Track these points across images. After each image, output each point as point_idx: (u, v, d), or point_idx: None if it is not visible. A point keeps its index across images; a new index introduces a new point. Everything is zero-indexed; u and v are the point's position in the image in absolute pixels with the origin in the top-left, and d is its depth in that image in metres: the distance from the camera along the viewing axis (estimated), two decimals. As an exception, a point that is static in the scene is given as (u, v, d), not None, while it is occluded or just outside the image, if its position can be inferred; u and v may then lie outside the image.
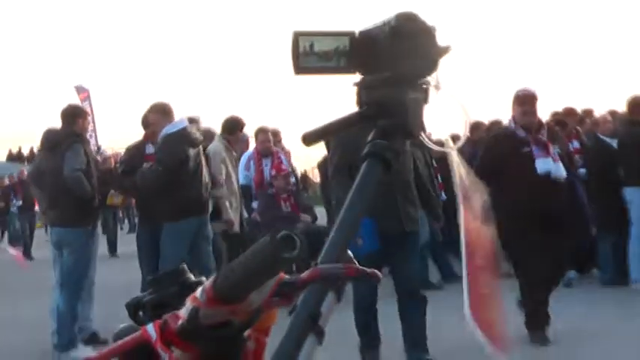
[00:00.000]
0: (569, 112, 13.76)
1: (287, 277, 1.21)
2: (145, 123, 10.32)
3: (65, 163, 9.19)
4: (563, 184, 8.54)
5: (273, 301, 1.25)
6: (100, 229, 11.43)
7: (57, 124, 9.78)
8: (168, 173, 9.26)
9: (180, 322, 1.20)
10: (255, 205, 12.03)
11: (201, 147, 9.89)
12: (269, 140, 12.38)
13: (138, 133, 10.41)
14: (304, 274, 1.21)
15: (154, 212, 9.68)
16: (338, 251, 1.39)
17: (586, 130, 13.46)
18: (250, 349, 1.25)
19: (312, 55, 1.57)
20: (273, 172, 11.89)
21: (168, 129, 9.48)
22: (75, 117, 9.70)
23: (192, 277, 1.42)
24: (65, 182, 9.20)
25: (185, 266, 1.43)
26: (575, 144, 12.71)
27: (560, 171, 8.49)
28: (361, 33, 1.58)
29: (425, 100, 1.57)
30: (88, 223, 9.49)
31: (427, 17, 1.56)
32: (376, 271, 1.28)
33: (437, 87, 1.57)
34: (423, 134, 1.58)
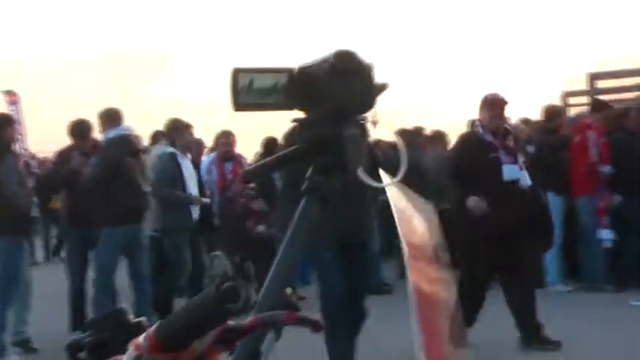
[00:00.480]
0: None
1: (231, 323, 1.21)
2: (74, 131, 10.26)
3: (4, 179, 9.11)
4: (528, 191, 8.45)
5: (216, 348, 1.25)
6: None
7: None
8: (103, 177, 9.25)
9: (120, 369, 1.20)
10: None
11: (141, 155, 9.87)
12: (230, 144, 12.05)
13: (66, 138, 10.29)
14: (247, 321, 1.21)
15: (87, 217, 9.65)
16: (277, 289, 1.40)
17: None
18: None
19: (251, 92, 1.57)
20: (231, 177, 11.58)
21: (108, 134, 9.50)
22: (4, 126, 9.59)
23: (131, 318, 1.41)
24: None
25: (124, 307, 1.42)
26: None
27: (525, 179, 8.41)
28: (300, 70, 1.59)
29: (362, 135, 1.58)
30: (19, 232, 9.39)
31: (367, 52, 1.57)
32: (317, 320, 1.29)
33: (374, 123, 1.58)
34: (360, 170, 1.59)
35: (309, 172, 1.56)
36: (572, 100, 16.95)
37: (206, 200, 10.88)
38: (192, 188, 10.47)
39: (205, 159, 12.39)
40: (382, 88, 1.58)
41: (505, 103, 8.61)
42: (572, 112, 16.35)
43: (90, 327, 1.41)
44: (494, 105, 8.50)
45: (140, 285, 9.61)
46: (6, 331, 9.39)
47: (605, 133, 11.80)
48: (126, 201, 9.27)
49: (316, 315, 1.33)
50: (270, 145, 12.29)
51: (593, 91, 15.45)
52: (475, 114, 9.00)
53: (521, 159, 8.57)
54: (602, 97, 15.58)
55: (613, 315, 10.11)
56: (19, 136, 10.44)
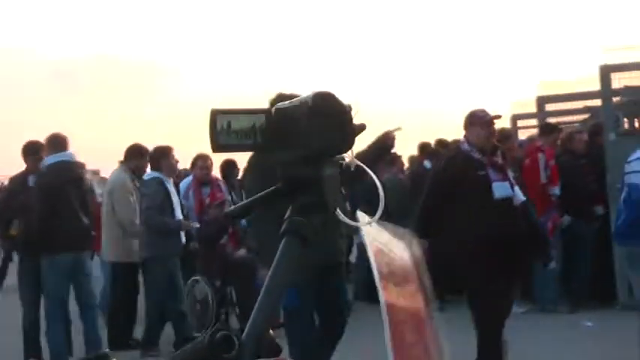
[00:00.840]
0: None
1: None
2: (26, 152, 10.19)
3: None
4: (518, 207, 8.09)
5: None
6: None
7: None
8: (41, 204, 9.21)
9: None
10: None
11: (84, 182, 9.81)
12: (208, 167, 11.76)
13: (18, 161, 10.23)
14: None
15: (34, 245, 9.58)
16: (260, 331, 1.40)
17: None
18: None
19: (229, 133, 1.58)
20: (208, 201, 11.42)
21: (49, 159, 9.44)
22: None
23: (115, 363, 1.41)
24: None
25: (106, 351, 1.41)
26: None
27: (518, 195, 8.12)
28: (277, 110, 1.60)
29: (340, 175, 1.59)
30: None
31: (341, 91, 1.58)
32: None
33: (352, 163, 1.60)
34: (338, 210, 1.60)
35: (288, 213, 1.57)
36: (520, 123, 17.16)
37: (195, 224, 10.92)
38: (179, 213, 10.50)
39: (182, 183, 12.18)
40: (360, 128, 1.59)
41: (496, 118, 8.35)
42: (521, 134, 16.62)
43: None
44: (486, 123, 8.16)
45: (87, 314, 9.55)
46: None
47: (555, 155, 12.01)
48: (65, 229, 9.20)
49: None
50: (227, 167, 12.56)
51: (541, 114, 15.59)
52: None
53: (511, 174, 8.36)
54: (550, 120, 15.87)
55: (567, 336, 10.22)
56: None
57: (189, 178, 12.13)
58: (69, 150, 9.62)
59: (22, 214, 9.88)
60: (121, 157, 11.34)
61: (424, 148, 14.17)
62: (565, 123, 16.22)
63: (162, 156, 10.52)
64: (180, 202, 10.95)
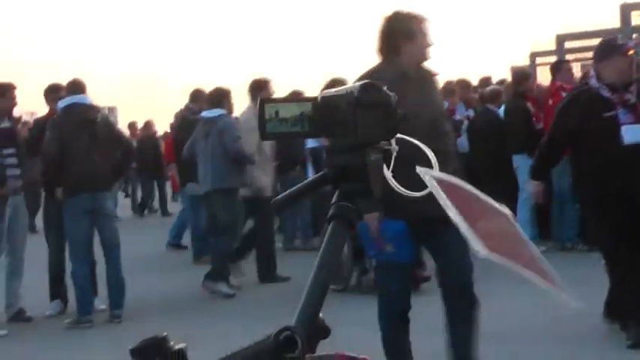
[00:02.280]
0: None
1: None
2: (47, 94, 10.43)
3: None
4: None
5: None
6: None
7: None
8: (52, 147, 9.35)
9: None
10: None
11: (101, 118, 9.84)
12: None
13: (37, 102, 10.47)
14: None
15: (52, 186, 9.74)
16: (311, 315, 1.47)
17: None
18: None
19: (277, 121, 1.64)
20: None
21: (63, 101, 9.53)
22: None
23: (173, 346, 1.47)
24: None
25: (166, 335, 1.48)
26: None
27: None
28: (323, 99, 1.65)
29: (385, 160, 1.65)
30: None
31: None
32: (365, 357, 1.37)
33: (394, 150, 1.65)
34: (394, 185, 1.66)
35: (334, 198, 1.64)
36: (539, 60, 17.07)
37: None
38: None
39: None
40: (402, 118, 1.65)
41: (631, 48, 7.25)
42: (540, 71, 16.56)
43: (135, 355, 1.47)
44: (626, 52, 7.06)
45: (110, 255, 9.66)
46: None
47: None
48: (78, 171, 9.28)
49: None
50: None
51: (560, 51, 15.51)
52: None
53: None
54: (569, 57, 15.81)
55: (585, 274, 10.29)
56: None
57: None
58: (86, 94, 9.69)
59: (42, 156, 10.01)
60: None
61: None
62: (584, 59, 16.17)
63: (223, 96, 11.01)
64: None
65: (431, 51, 5.76)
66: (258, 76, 11.51)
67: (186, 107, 13.55)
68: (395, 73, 5.43)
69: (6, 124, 9.85)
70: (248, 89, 11.27)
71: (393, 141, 1.64)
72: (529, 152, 11.68)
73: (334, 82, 11.21)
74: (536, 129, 12.04)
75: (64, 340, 9.03)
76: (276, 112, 1.65)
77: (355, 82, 5.70)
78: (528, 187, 10.98)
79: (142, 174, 22.12)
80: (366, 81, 1.63)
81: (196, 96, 13.38)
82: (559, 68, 12.67)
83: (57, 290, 10.27)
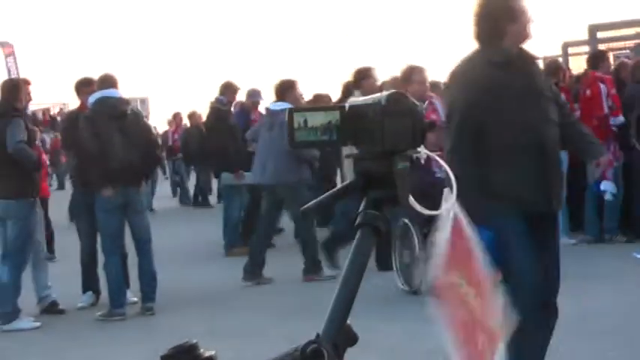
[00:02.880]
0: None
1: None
2: (78, 88, 10.55)
3: (7, 138, 9.26)
4: None
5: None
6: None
7: None
8: (88, 138, 9.40)
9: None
10: None
11: (132, 111, 9.91)
12: (425, 82, 9.96)
13: (62, 88, 10.59)
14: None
15: (84, 180, 9.82)
16: (340, 321, 1.50)
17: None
18: None
19: (305, 130, 1.66)
20: None
21: (95, 95, 9.61)
22: (16, 91, 9.74)
23: (203, 353, 1.50)
24: (8, 156, 9.28)
25: (196, 342, 1.51)
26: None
27: None
28: (351, 108, 1.67)
29: (411, 168, 1.67)
30: (31, 194, 9.52)
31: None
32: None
33: (422, 157, 1.67)
34: (411, 199, 1.68)
35: (362, 206, 1.66)
36: (571, 50, 17.01)
37: None
38: None
39: None
40: (430, 126, 1.67)
41: None
42: (572, 61, 16.49)
43: (166, 360, 1.50)
44: None
45: (141, 248, 9.73)
46: (19, 295, 9.62)
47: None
48: (109, 165, 9.34)
49: None
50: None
51: (592, 41, 15.44)
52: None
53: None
54: (601, 47, 15.71)
55: (619, 267, 10.26)
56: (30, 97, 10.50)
57: None
58: (116, 88, 9.77)
59: (74, 150, 10.09)
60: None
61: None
62: (616, 49, 16.11)
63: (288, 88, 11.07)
64: None
65: (531, 28, 5.42)
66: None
67: (217, 99, 13.63)
68: (501, 57, 5.32)
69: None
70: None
71: (419, 149, 1.66)
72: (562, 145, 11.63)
73: (359, 72, 11.34)
74: None
75: (96, 333, 9.10)
76: (305, 121, 1.67)
77: (449, 74, 5.62)
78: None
79: (188, 163, 22.14)
80: (393, 90, 1.65)
81: (226, 88, 13.48)
82: (601, 59, 12.57)
83: (89, 282, 10.36)
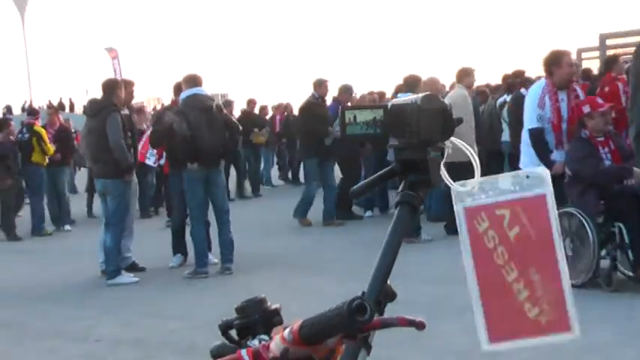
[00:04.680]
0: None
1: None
2: (175, 91, 10.77)
3: (109, 132, 9.45)
4: None
5: (343, 342, 1.39)
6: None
7: (92, 78, 10.31)
8: (180, 128, 9.48)
9: (271, 355, 1.33)
10: (556, 154, 8.06)
11: (216, 106, 10.01)
12: (573, 65, 8.68)
13: (158, 86, 10.80)
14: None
15: (177, 161, 9.94)
16: (381, 286, 1.53)
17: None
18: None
19: (355, 125, 1.69)
20: (587, 109, 7.85)
21: (185, 93, 9.75)
22: (114, 89, 9.89)
23: (270, 306, 1.54)
24: (106, 144, 9.46)
25: (264, 297, 1.55)
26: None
27: None
28: (392, 106, 1.70)
29: (442, 157, 1.68)
30: (124, 176, 9.68)
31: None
32: (422, 320, 1.42)
33: (448, 147, 1.69)
34: (444, 173, 1.69)
35: (401, 187, 1.68)
36: (584, 55, 16.79)
37: None
38: None
39: (532, 90, 8.49)
40: (459, 121, 1.69)
41: None
42: (585, 64, 16.28)
43: (238, 312, 1.53)
44: None
45: (220, 218, 9.81)
46: (120, 256, 9.82)
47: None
48: (197, 149, 9.47)
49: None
50: None
51: (603, 47, 15.21)
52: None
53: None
54: (609, 52, 15.52)
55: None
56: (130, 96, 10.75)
57: (540, 82, 8.44)
58: (201, 86, 9.87)
59: (167, 139, 10.27)
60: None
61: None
62: (623, 54, 15.88)
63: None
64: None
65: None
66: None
67: (312, 95, 13.52)
68: None
69: (125, 112, 10.17)
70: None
71: (447, 142, 1.67)
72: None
73: (412, 77, 11.59)
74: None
75: (183, 288, 9.21)
76: (354, 117, 1.70)
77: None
78: None
79: (289, 147, 21.64)
80: (427, 92, 1.67)
81: (319, 85, 13.46)
82: (614, 62, 12.48)
83: (179, 246, 10.51)
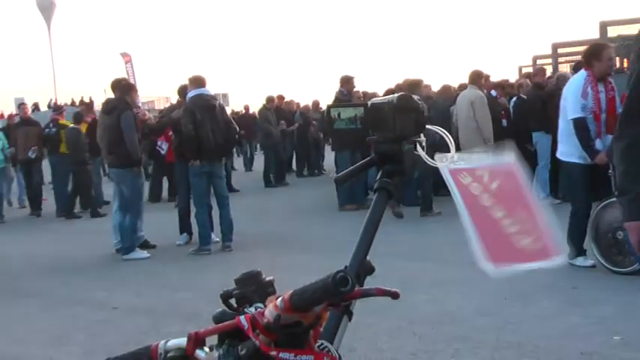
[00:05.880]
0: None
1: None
2: (180, 92, 10.68)
3: (123, 128, 9.41)
4: None
5: (328, 309, 1.39)
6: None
7: (108, 79, 10.23)
8: (186, 125, 9.40)
9: (265, 320, 1.32)
10: (598, 143, 7.40)
11: (218, 105, 9.96)
12: (612, 59, 7.82)
13: (166, 86, 10.72)
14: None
15: (183, 154, 9.90)
16: (361, 261, 1.54)
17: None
18: (310, 335, 1.39)
19: (340, 120, 1.70)
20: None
21: (191, 93, 9.70)
22: (128, 89, 9.87)
23: (265, 278, 1.53)
24: (120, 138, 9.42)
25: (260, 270, 1.54)
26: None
27: None
28: (372, 105, 1.70)
29: (415, 149, 1.68)
30: (135, 166, 9.64)
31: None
32: (396, 290, 1.42)
33: (422, 141, 1.69)
34: (424, 158, 1.69)
35: (379, 175, 1.68)
36: (539, 62, 16.82)
37: None
38: None
39: (575, 78, 7.73)
40: (429, 119, 1.69)
41: None
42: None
43: (237, 283, 1.53)
44: None
45: (221, 203, 9.79)
46: (135, 234, 9.80)
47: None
48: (202, 144, 9.42)
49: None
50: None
51: (555, 55, 15.25)
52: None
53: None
54: (561, 60, 15.56)
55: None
56: (139, 98, 10.73)
57: (582, 74, 7.55)
58: (205, 86, 9.81)
59: (174, 134, 10.22)
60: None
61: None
62: (574, 61, 16.01)
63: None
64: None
65: None
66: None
67: (340, 91, 13.03)
68: None
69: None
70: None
71: (421, 135, 1.67)
72: (545, 129, 11.67)
73: (410, 82, 11.65)
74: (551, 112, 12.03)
75: (189, 263, 9.21)
76: (339, 114, 1.71)
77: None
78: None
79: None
80: (402, 93, 1.67)
81: (346, 82, 13.10)
82: (578, 68, 12.46)
83: (185, 226, 10.48)
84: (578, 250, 7.39)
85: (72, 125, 14.44)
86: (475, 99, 11.20)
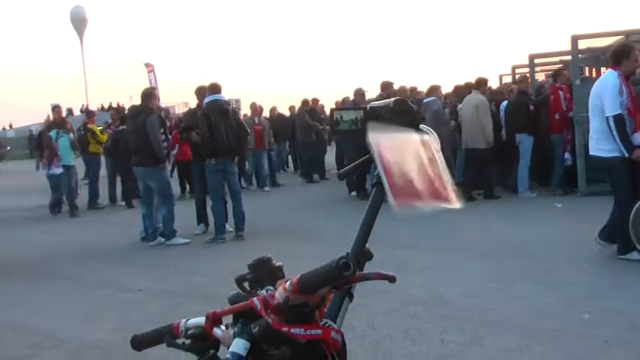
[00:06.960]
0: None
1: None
2: (197, 93, 10.63)
3: (149, 131, 9.38)
4: None
5: (332, 292, 1.37)
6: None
7: (134, 87, 10.17)
8: (203, 127, 9.42)
9: (276, 301, 1.31)
10: (636, 137, 6.79)
11: (232, 109, 9.96)
12: (638, 60, 7.28)
13: (186, 92, 10.68)
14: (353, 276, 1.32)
15: (201, 154, 9.84)
16: (361, 248, 1.52)
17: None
18: (316, 314, 1.37)
19: (344, 122, 1.67)
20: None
21: (207, 98, 9.68)
22: (150, 97, 9.84)
23: (275, 264, 1.52)
24: (146, 139, 9.39)
25: (270, 256, 1.53)
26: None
27: None
28: (370, 108, 1.68)
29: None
30: (160, 164, 9.61)
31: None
32: (392, 275, 1.41)
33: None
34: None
35: (375, 172, 1.66)
36: (517, 71, 16.75)
37: None
38: None
39: (608, 77, 6.93)
40: (422, 120, 1.67)
41: None
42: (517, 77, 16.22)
43: (250, 268, 1.52)
44: None
45: (234, 198, 9.78)
46: (173, 223, 9.76)
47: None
48: (217, 144, 9.41)
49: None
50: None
51: (532, 65, 15.17)
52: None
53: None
54: (537, 69, 15.49)
55: (544, 214, 10.14)
56: (160, 102, 10.71)
57: (611, 72, 6.93)
58: (221, 93, 9.79)
59: (195, 135, 10.19)
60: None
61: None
62: (548, 70, 15.99)
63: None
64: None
65: None
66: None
67: (380, 94, 12.63)
68: None
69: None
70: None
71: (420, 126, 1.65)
72: (528, 131, 11.71)
73: (402, 89, 11.74)
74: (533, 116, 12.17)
75: (206, 250, 9.19)
76: (341, 116, 1.67)
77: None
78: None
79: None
80: (398, 97, 1.65)
81: (386, 86, 12.90)
82: (559, 74, 12.39)
83: (202, 218, 10.46)
84: (630, 244, 6.71)
85: (121, 127, 14.53)
86: (479, 103, 11.32)
